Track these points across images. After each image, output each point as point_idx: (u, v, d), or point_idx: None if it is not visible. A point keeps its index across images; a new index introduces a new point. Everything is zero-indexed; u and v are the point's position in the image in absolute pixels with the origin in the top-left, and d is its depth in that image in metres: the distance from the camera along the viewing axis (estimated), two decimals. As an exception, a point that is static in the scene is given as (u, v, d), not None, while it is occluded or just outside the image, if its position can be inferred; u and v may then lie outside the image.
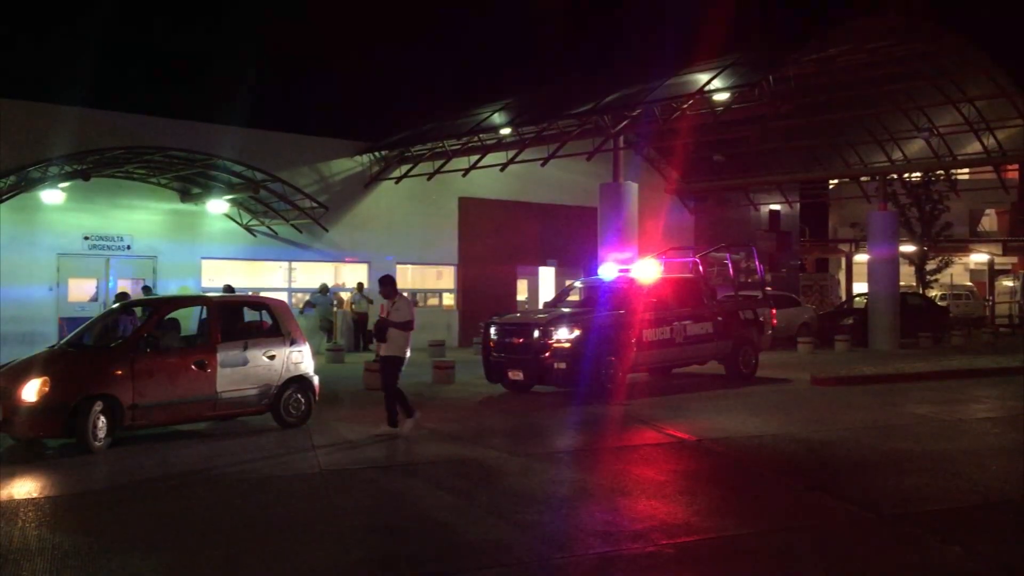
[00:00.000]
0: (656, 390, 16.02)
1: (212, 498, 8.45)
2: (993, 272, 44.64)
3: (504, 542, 6.81)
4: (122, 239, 21.99)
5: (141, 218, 22.29)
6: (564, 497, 8.36)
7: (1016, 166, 32.52)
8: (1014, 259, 45.30)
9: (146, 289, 19.88)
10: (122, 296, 15.48)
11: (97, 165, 19.77)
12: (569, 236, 28.87)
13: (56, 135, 19.77)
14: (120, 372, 10.57)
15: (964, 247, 44.28)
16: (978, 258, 45.88)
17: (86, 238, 21.52)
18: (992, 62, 22.42)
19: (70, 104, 21.47)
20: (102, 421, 10.30)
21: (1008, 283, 41.87)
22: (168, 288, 22.04)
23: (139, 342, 10.94)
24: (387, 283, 11.94)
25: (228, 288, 18.73)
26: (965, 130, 24.73)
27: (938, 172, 31.15)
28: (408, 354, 11.73)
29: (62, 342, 12.33)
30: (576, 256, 28.71)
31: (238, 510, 8.00)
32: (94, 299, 21.73)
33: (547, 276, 30.26)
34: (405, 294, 12.07)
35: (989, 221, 50.17)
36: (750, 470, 9.66)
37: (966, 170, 31.88)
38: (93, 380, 10.47)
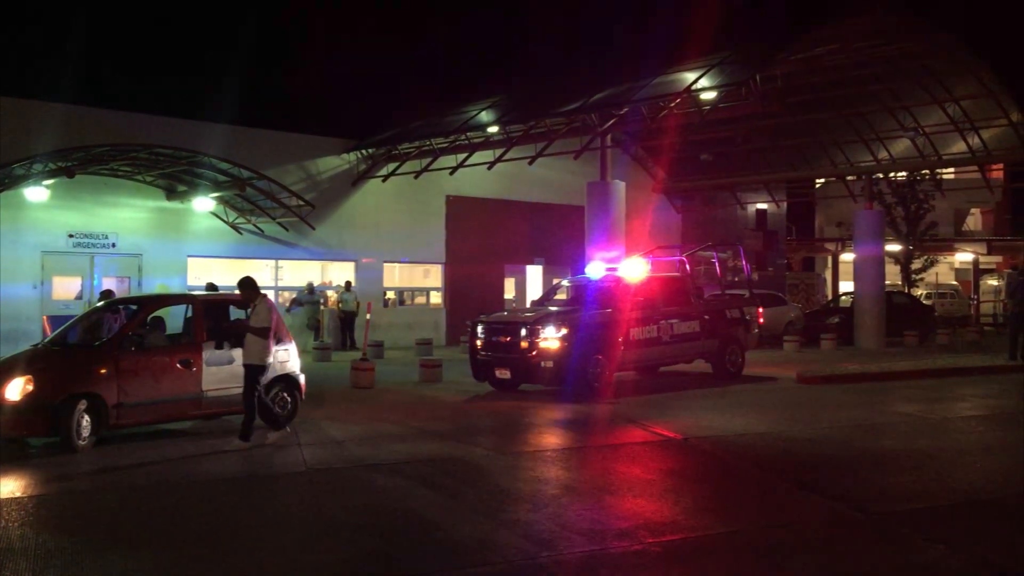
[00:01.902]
0: (643, 389, 16.04)
1: (197, 497, 8.42)
2: (978, 271, 44.92)
3: (490, 541, 6.80)
4: (107, 237, 21.85)
5: (126, 216, 22.15)
6: (550, 495, 8.36)
7: (1001, 166, 32.67)
8: (999, 258, 45.63)
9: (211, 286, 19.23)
10: (107, 294, 15.37)
11: (82, 162, 19.64)
12: (556, 235, 28.88)
13: (41, 132, 19.62)
14: (105, 371, 10.51)
15: (949, 246, 44.56)
16: (963, 257, 46.18)
17: (71, 236, 21.37)
18: (978, 61, 22.52)
19: (55, 100, 21.32)
20: (86, 420, 10.25)
21: (993, 282, 42.11)
22: (151, 287, 21.93)
23: (124, 341, 10.87)
24: (245, 286, 10.98)
25: (211, 286, 18.63)
26: (950, 130, 24.84)
27: (923, 171, 31.30)
28: (269, 361, 10.82)
29: (46, 340, 12.25)
30: (563, 254, 28.73)
31: (224, 508, 7.97)
32: (79, 297, 21.58)
33: (534, 274, 30.27)
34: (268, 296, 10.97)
35: (974, 220, 50.53)
36: (736, 468, 9.68)
37: (951, 169, 32.02)
38: (77, 379, 10.41)
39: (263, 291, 11.53)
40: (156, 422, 11.25)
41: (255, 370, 10.71)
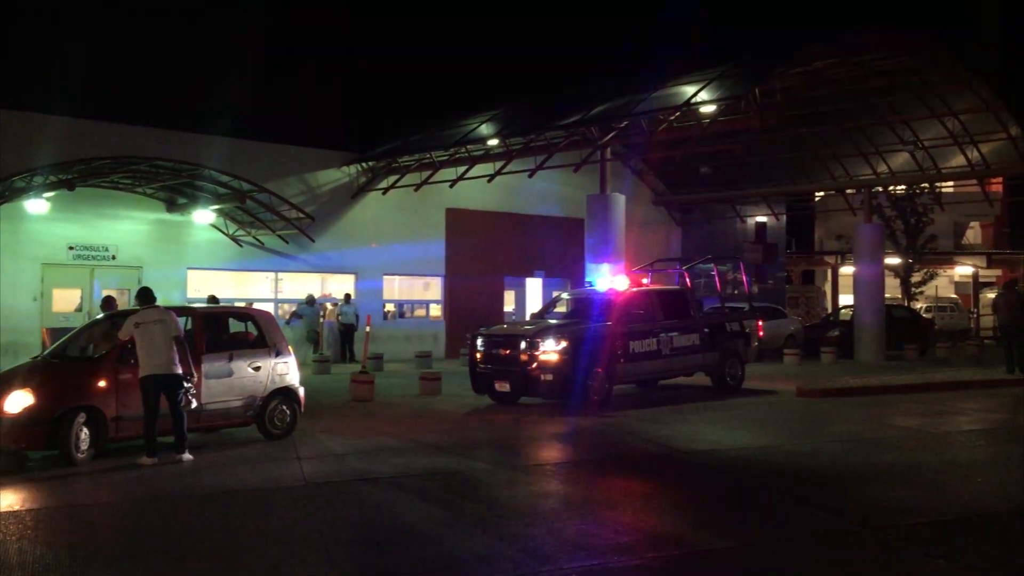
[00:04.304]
0: (643, 402, 16.02)
1: (196, 510, 8.39)
2: (977, 284, 44.92)
3: (490, 555, 6.78)
4: (107, 249, 21.87)
5: (126, 228, 22.17)
6: (550, 509, 8.34)
7: (1000, 179, 32.75)
8: (998, 271, 45.64)
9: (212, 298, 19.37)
10: (108, 301, 15.33)
11: (82, 175, 19.67)
12: (556, 247, 28.90)
13: (41, 144, 19.65)
14: (104, 384, 10.50)
15: (949, 260, 44.57)
16: (963, 270, 46.19)
17: (71, 248, 21.39)
18: (976, 75, 22.58)
19: (55, 113, 21.36)
20: (85, 433, 10.22)
21: (992, 296, 42.13)
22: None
23: (123, 354, 10.85)
24: (136, 296, 11.00)
25: (212, 299, 18.65)
26: (949, 143, 24.89)
27: (923, 185, 31.35)
28: (144, 374, 10.31)
29: (45, 353, 12.24)
30: (563, 267, 28.75)
31: (222, 522, 7.95)
32: (78, 309, 21.58)
33: (534, 287, 30.27)
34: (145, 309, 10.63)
35: (973, 234, 50.58)
36: (736, 482, 9.66)
37: (950, 183, 32.08)
38: (76, 392, 10.39)
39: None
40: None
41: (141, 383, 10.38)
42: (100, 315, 13.30)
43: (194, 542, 7.30)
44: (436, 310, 28.11)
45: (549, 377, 14.52)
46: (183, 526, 7.85)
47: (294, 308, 24.50)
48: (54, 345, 12.29)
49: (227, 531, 7.65)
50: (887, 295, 29.01)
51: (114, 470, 10.01)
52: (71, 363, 11.29)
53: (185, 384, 10.55)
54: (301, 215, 22.59)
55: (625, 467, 10.49)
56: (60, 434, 10.02)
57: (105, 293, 19.44)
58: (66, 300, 21.71)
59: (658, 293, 17.18)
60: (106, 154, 19.65)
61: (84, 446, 10.22)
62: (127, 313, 13.28)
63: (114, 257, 21.98)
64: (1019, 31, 48.36)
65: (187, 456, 10.47)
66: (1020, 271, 43.83)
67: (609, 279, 17.46)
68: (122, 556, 6.90)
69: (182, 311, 13.35)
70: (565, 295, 19.20)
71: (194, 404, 10.77)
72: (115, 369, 10.63)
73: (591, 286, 17.56)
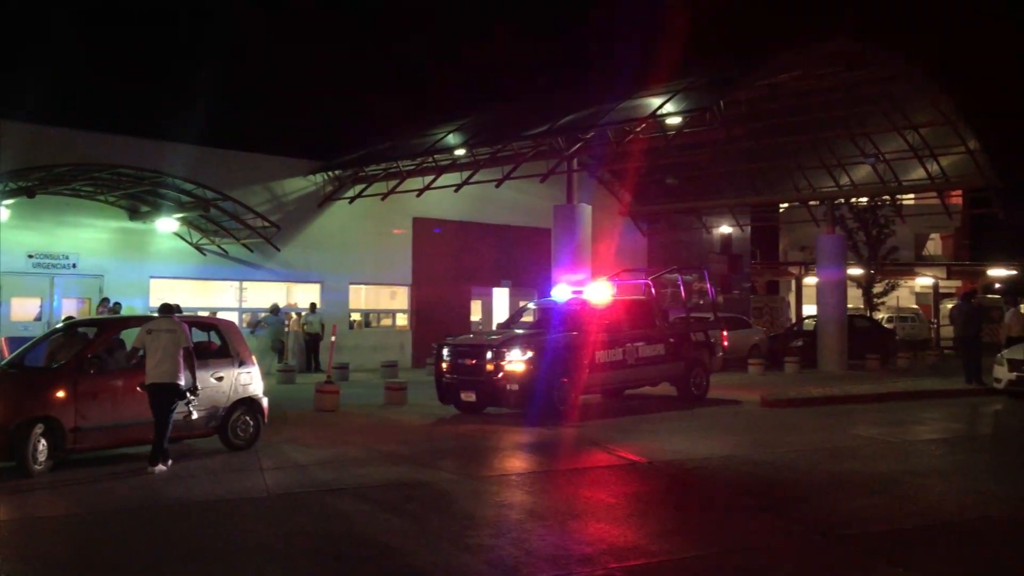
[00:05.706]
0: (608, 412, 16.07)
1: (156, 523, 8.28)
2: (938, 295, 45.66)
3: (453, 567, 6.76)
4: (67, 257, 21.54)
5: (88, 236, 21.85)
6: (515, 520, 8.33)
7: (959, 192, 33.32)
8: (958, 283, 46.41)
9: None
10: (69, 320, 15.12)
11: (43, 182, 19.38)
12: (523, 257, 28.94)
13: (0, 151, 19.34)
14: (62, 394, 10.33)
15: (910, 271, 45.24)
16: (923, 281, 46.92)
17: (30, 256, 21.02)
18: (936, 89, 22.94)
19: (15, 119, 21.02)
20: (43, 444, 10.05)
21: (951, 306, 42.78)
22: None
23: (83, 363, 10.69)
24: (160, 309, 11.26)
25: (176, 308, 18.42)
26: (910, 156, 25.28)
27: (884, 197, 31.80)
28: (149, 380, 10.48)
29: (3, 363, 12.03)
30: (530, 277, 28.77)
31: (183, 534, 7.85)
32: (38, 319, 21.24)
33: (501, 297, 30.27)
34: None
35: (934, 245, 51.41)
36: (700, 492, 9.71)
37: (911, 195, 32.58)
38: (34, 402, 10.21)
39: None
40: (115, 446, 11.05)
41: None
42: (59, 324, 13.13)
43: (152, 553, 7.19)
44: (402, 319, 28.01)
45: (515, 387, 14.51)
46: (143, 538, 7.74)
47: (259, 317, 24.29)
48: (12, 355, 12.09)
49: (188, 543, 7.55)
50: (849, 305, 29.37)
51: (73, 482, 9.84)
52: (29, 373, 11.11)
53: (188, 396, 10.63)
54: (266, 224, 22.40)
55: (590, 477, 10.51)
56: (17, 445, 9.84)
57: (66, 312, 19.26)
58: (25, 309, 21.35)
59: (624, 303, 17.26)
60: (67, 161, 19.38)
61: (42, 457, 10.05)
62: (85, 322, 13.14)
63: (75, 266, 21.66)
64: (978, 45, 49.34)
65: (160, 468, 10.34)
66: (979, 282, 44.63)
67: (589, 288, 17.50)
68: (80, 569, 6.79)
69: (143, 320, 13.19)
70: (532, 305, 19.21)
71: (195, 415, 10.96)
72: (74, 379, 10.47)
73: (575, 294, 17.51)
